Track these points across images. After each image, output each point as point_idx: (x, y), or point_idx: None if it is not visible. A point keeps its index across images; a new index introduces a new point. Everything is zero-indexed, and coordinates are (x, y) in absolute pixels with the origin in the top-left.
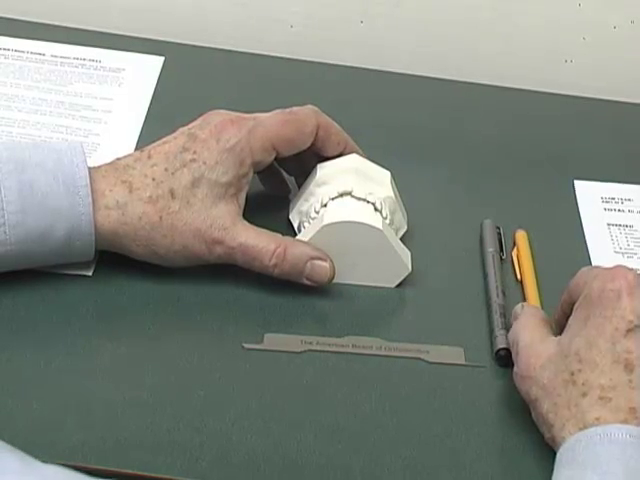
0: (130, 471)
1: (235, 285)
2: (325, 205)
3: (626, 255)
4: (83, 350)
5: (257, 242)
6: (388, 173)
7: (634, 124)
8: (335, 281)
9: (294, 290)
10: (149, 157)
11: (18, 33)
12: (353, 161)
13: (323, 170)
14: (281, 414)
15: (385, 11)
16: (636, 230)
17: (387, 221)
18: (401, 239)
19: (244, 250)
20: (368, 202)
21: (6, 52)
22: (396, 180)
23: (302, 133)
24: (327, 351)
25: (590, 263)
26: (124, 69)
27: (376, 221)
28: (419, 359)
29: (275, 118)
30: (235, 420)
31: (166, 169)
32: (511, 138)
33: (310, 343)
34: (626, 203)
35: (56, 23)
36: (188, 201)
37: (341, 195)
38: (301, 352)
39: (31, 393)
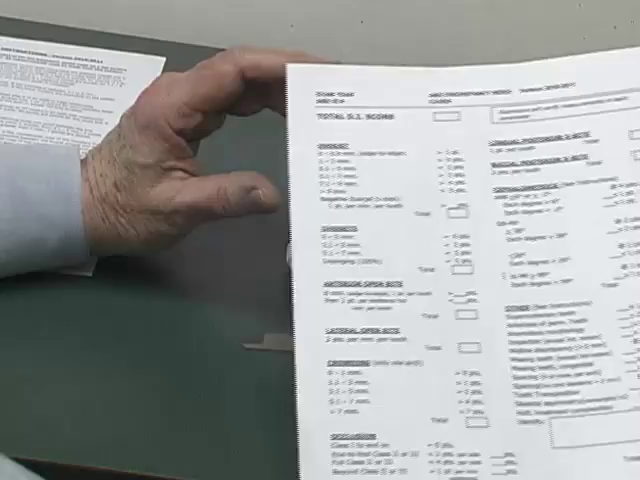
0: (130, 471)
1: (235, 285)
2: None
3: (334, 203)
4: (83, 350)
5: (201, 195)
6: None
7: None
8: None
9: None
10: (100, 150)
11: (19, 33)
12: None
13: None
14: (281, 414)
15: (385, 11)
16: (351, 152)
17: None
18: None
19: (196, 209)
20: None
21: (7, 52)
22: None
23: (221, 86)
24: None
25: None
26: (125, 69)
27: None
28: None
29: (189, 78)
30: (235, 420)
31: (109, 162)
32: None
33: None
34: (346, 100)
35: (57, 23)
36: (130, 190)
37: None
38: None
39: (31, 393)
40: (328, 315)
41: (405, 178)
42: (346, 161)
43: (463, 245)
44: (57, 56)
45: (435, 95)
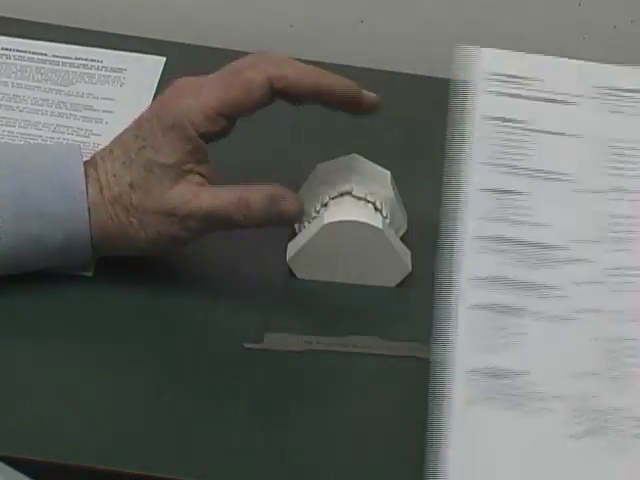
0: (130, 471)
1: (235, 285)
2: (325, 205)
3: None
4: (83, 350)
5: (220, 203)
6: (388, 173)
7: None
8: (335, 281)
9: (294, 290)
10: (111, 152)
11: (19, 33)
12: (353, 161)
13: (323, 170)
14: (281, 414)
15: (385, 11)
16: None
17: (387, 221)
18: (401, 239)
19: (213, 216)
20: (368, 202)
21: (7, 52)
22: (396, 180)
23: (250, 94)
24: (327, 351)
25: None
26: (125, 69)
27: (376, 221)
28: (420, 358)
29: (217, 83)
30: (235, 420)
31: (124, 162)
32: None
33: (310, 343)
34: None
35: (57, 23)
36: (147, 190)
37: (341, 195)
38: (301, 352)
39: (31, 393)
40: (491, 264)
41: (579, 158)
42: (523, 135)
43: (620, 224)
44: (57, 56)
45: (612, 89)
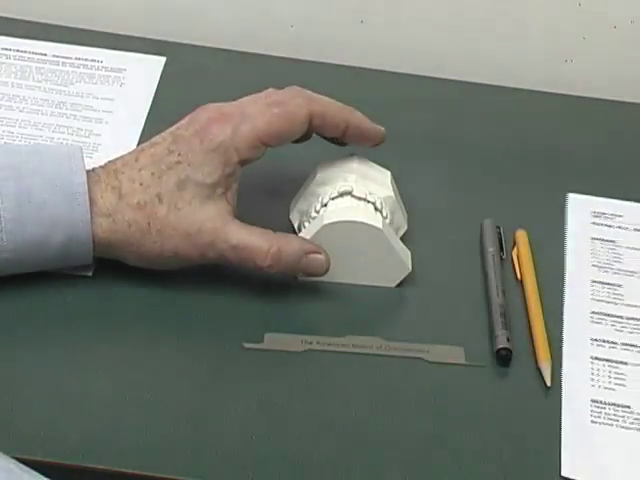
0: (130, 471)
1: (235, 285)
2: (325, 205)
3: (602, 269)
4: (83, 350)
5: (250, 243)
6: (388, 173)
7: (634, 124)
8: (335, 281)
9: (294, 290)
10: (137, 160)
11: (19, 33)
12: (353, 161)
13: (323, 170)
14: (281, 414)
15: (385, 11)
16: (619, 246)
17: (387, 221)
18: (401, 239)
19: (237, 252)
20: (368, 202)
21: (7, 52)
22: (396, 180)
23: (292, 126)
24: (327, 351)
25: (564, 275)
26: (125, 69)
27: (376, 221)
28: (419, 358)
29: (264, 114)
30: (235, 420)
31: (153, 173)
32: (511, 138)
33: (310, 343)
34: (616, 219)
35: (57, 23)
36: (175, 205)
37: (341, 195)
38: (301, 352)
39: (31, 393)
40: (593, 330)
41: None
42: (614, 249)
43: None
44: (57, 56)
45: None
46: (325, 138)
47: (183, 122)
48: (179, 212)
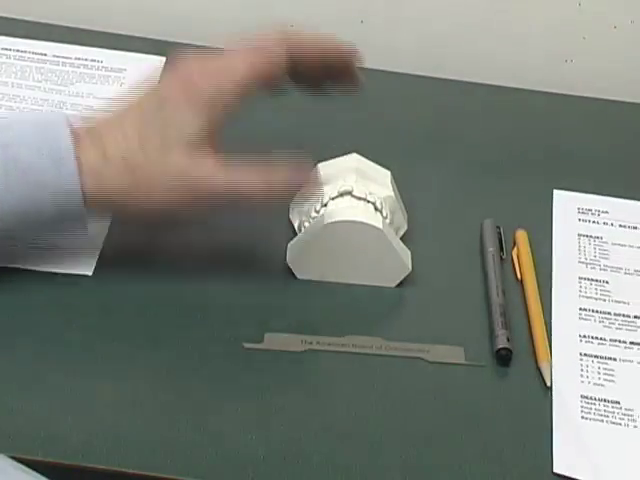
0: (130, 471)
1: (235, 285)
2: (325, 205)
3: (589, 266)
4: (83, 350)
5: (241, 180)
6: (388, 173)
7: (634, 124)
8: (335, 281)
9: (294, 290)
10: (120, 116)
11: (19, 33)
12: (353, 161)
13: (323, 169)
14: (281, 414)
15: (385, 11)
16: (605, 242)
17: (387, 221)
18: (401, 239)
19: (229, 193)
20: (368, 202)
21: (8, 52)
22: (396, 180)
23: (271, 67)
24: (327, 351)
25: (552, 271)
26: (125, 69)
27: (376, 221)
28: (419, 358)
29: (243, 61)
30: (235, 420)
31: (139, 130)
32: (511, 138)
33: (310, 343)
34: (602, 215)
35: (57, 23)
36: (163, 159)
37: (341, 195)
38: (301, 352)
39: (31, 393)
40: (582, 327)
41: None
42: (601, 245)
43: None
44: (57, 56)
45: None
46: (306, 82)
47: (165, 79)
48: (167, 164)
